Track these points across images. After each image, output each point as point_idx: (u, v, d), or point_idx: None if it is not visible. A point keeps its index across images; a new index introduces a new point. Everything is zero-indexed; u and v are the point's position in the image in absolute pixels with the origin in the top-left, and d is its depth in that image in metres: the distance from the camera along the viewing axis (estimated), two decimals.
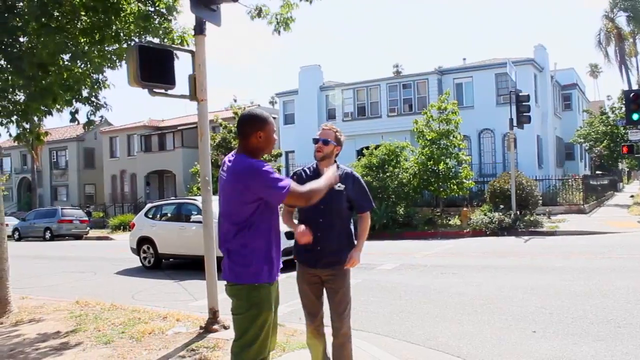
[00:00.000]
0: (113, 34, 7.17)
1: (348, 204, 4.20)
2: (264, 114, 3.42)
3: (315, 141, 4.20)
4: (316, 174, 4.10)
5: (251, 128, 3.34)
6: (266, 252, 3.33)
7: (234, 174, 3.27)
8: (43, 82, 7.00)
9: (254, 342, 3.30)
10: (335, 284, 4.14)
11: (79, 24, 7.16)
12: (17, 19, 6.88)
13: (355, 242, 4.19)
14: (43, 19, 6.68)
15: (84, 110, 7.99)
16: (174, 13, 7.70)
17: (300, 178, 4.15)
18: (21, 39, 7.11)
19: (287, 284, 9.96)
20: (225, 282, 3.41)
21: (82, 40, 7.21)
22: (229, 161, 3.39)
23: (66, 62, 7.45)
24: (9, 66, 7.11)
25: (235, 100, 59.01)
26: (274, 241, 3.39)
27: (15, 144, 8.66)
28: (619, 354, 5.22)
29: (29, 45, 7.05)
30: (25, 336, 6.61)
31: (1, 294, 7.76)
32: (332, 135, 4.20)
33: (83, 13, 7.05)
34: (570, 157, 39.87)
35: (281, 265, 3.53)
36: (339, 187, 4.07)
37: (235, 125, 3.47)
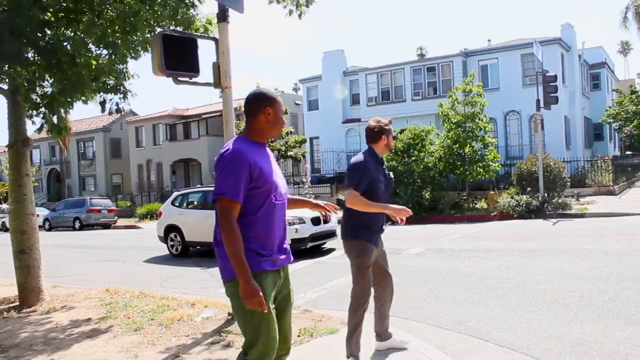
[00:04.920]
0: (144, 21, 7.22)
1: None
2: (273, 92, 3.23)
3: (394, 137, 4.77)
4: (382, 165, 4.75)
5: (259, 105, 3.14)
6: (253, 240, 3.00)
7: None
8: (70, 72, 7.07)
9: (254, 344, 3.01)
10: (385, 254, 4.96)
11: (107, 13, 7.21)
12: (44, 13, 6.95)
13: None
14: (71, 16, 6.76)
15: (110, 100, 8.13)
16: (198, 1, 7.74)
17: (374, 168, 4.58)
18: (49, 32, 7.18)
19: (314, 270, 10.03)
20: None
21: (109, 31, 7.26)
22: None
23: (94, 52, 7.53)
24: (37, 58, 7.20)
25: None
26: (264, 230, 3.06)
27: (43, 135, 8.85)
28: None
29: (58, 38, 7.13)
30: (58, 323, 6.75)
31: (34, 283, 7.91)
32: None
33: (111, 3, 7.11)
34: (599, 138, 39.17)
35: (279, 263, 3.18)
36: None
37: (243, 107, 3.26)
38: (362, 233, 4.53)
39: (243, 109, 3.23)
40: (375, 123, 4.67)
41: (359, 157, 4.60)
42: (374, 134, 4.64)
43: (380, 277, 4.85)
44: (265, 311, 2.91)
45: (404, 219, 4.41)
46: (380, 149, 4.67)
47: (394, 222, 4.59)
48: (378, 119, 4.73)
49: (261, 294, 2.87)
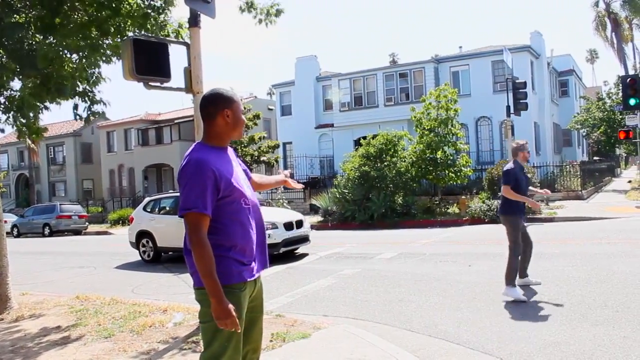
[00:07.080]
0: (113, 28, 7.16)
1: None
2: (229, 91, 3.05)
3: (528, 152, 7.60)
4: (523, 170, 7.57)
5: (216, 107, 2.95)
6: (233, 249, 2.91)
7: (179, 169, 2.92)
8: (38, 78, 6.99)
9: (221, 356, 2.86)
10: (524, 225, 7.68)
11: (78, 19, 7.14)
12: (16, 15, 6.86)
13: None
14: (45, 19, 6.68)
15: (82, 106, 8.02)
16: (169, 7, 7.70)
17: (519, 172, 7.38)
18: (19, 34, 7.09)
19: (287, 275, 10.03)
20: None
21: (79, 36, 7.19)
22: None
23: (66, 56, 7.45)
24: (6, 62, 7.10)
25: None
26: (242, 237, 2.95)
27: (12, 140, 8.72)
28: (617, 338, 5.25)
29: (31, 42, 7.05)
30: (27, 331, 6.64)
31: (1, 291, 7.77)
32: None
33: (81, 9, 7.04)
34: (568, 144, 39.94)
35: (256, 271, 3.06)
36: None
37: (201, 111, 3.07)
38: (514, 210, 7.31)
39: (200, 112, 3.05)
40: (515, 144, 7.62)
41: (509, 165, 7.43)
42: (515, 151, 7.55)
43: (525, 238, 7.48)
44: (239, 331, 2.83)
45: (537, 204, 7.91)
46: (521, 160, 7.49)
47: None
48: (517, 141, 7.74)
49: (234, 313, 2.74)
